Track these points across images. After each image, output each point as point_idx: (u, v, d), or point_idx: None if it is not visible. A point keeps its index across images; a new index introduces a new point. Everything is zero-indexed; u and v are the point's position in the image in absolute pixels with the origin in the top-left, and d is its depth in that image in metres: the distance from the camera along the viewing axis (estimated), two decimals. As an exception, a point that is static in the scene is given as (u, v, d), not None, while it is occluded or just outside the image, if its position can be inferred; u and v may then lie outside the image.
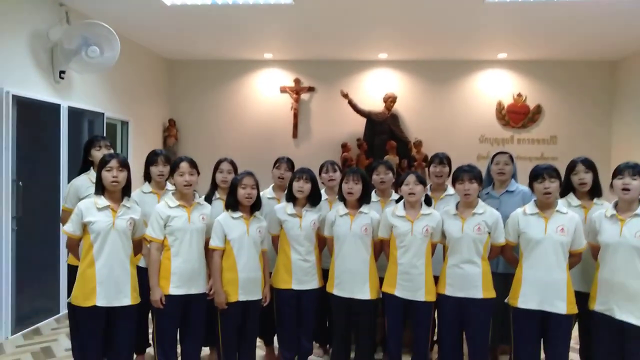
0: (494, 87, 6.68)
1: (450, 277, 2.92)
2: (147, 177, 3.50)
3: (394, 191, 3.52)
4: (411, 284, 2.93)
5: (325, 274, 3.20)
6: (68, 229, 2.72)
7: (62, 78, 4.53)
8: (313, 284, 3.12)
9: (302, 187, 3.09)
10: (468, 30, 5.42)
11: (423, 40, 5.87)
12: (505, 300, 2.91)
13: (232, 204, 3.00)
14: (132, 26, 5.47)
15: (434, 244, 3.02)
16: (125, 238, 2.76)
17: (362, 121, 6.69)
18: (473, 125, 6.72)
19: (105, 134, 5.21)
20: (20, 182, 4.04)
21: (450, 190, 3.40)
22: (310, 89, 6.88)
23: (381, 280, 3.08)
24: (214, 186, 3.48)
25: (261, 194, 3.22)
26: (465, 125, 6.73)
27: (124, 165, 2.76)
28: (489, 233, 2.90)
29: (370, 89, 6.79)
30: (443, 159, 3.46)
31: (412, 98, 6.78)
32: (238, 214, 2.99)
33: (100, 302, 2.66)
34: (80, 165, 3.39)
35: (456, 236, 2.90)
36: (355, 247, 3.02)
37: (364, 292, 3.00)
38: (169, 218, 2.87)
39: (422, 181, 2.99)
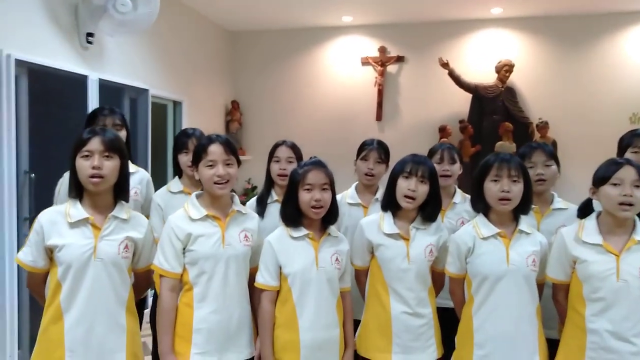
0: (656, 47, 5.02)
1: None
2: (177, 170, 2.46)
3: (555, 195, 2.18)
4: (615, 368, 1.60)
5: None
6: (24, 257, 1.67)
7: (91, 43, 3.60)
8: (429, 353, 1.85)
9: (414, 191, 1.83)
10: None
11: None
12: None
13: (291, 216, 1.82)
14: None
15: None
16: (117, 272, 1.67)
17: (467, 98, 5.39)
18: (620, 100, 5.12)
19: (150, 115, 4.27)
20: (32, 175, 3.17)
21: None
22: (399, 59, 5.66)
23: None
24: (269, 183, 2.36)
25: (338, 198, 2.02)
26: (608, 100, 5.16)
27: (114, 148, 1.67)
28: None
29: (478, 56, 5.45)
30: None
31: (534, 66, 5.35)
32: (301, 232, 1.82)
33: (72, 381, 1.59)
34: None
35: None
36: (517, 293, 1.75)
37: None
38: (190, 238, 1.75)
39: None
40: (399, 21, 5.55)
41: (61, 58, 3.42)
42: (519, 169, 1.74)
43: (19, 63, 3.06)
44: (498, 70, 5.23)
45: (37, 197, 3.19)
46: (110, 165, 1.65)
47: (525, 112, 5.28)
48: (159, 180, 2.74)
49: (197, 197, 1.84)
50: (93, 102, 3.61)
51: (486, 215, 1.81)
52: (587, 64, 5.21)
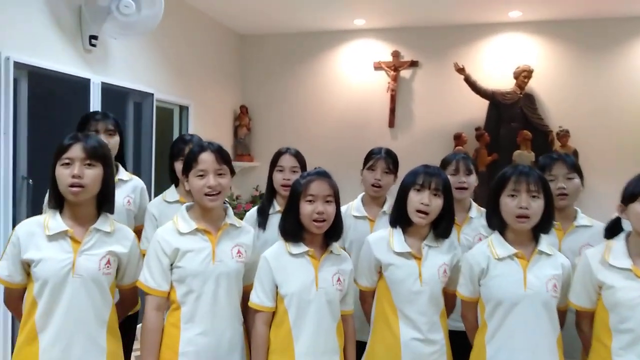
0: (684, 52, 4.77)
1: None
2: (173, 178, 2.34)
3: (579, 211, 2.00)
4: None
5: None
6: (0, 272, 1.55)
7: (94, 45, 3.52)
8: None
9: (427, 206, 1.68)
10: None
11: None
12: None
13: (291, 230, 1.68)
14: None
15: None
16: (98, 290, 1.55)
17: (484, 104, 5.19)
18: (646, 107, 4.89)
19: (154, 121, 4.18)
20: (30, 180, 3.08)
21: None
22: (413, 64, 5.48)
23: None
24: (271, 193, 2.23)
25: (343, 210, 1.88)
26: (633, 107, 4.91)
27: (96, 155, 1.56)
28: None
29: (496, 61, 5.24)
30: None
31: (554, 72, 5.12)
32: (301, 248, 1.67)
33: (46, 407, 1.47)
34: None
35: None
36: (534, 321, 1.58)
37: None
38: (177, 253, 1.62)
39: None
40: (413, 25, 5.38)
41: (63, 61, 3.34)
42: (539, 183, 1.57)
43: (18, 65, 2.98)
44: (516, 76, 5.03)
45: (35, 203, 3.09)
46: (92, 174, 1.53)
47: (545, 119, 5.05)
48: (163, 189, 2.62)
49: (188, 209, 1.71)
50: (95, 106, 3.52)
51: (502, 233, 1.65)
52: (609, 69, 4.97)
